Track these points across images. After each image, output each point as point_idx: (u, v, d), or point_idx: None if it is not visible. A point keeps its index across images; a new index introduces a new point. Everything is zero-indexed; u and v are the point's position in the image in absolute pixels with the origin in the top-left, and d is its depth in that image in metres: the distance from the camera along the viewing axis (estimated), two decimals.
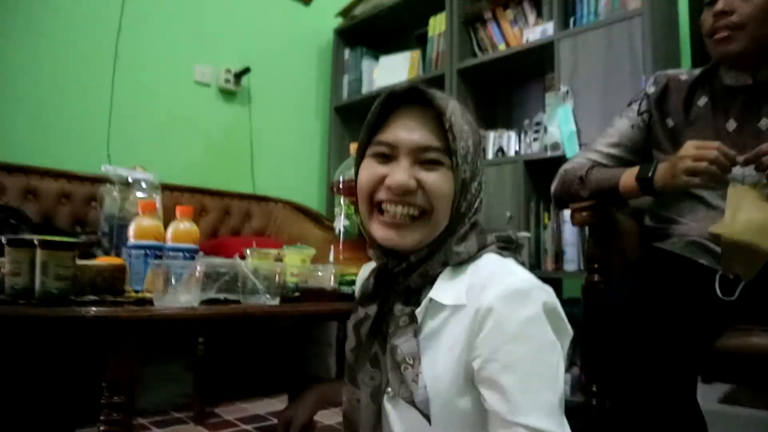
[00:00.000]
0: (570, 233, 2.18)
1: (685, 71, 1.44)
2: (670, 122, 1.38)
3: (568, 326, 0.77)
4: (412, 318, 0.77)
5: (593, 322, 1.12)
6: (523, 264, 0.80)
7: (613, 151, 1.45)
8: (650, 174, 1.25)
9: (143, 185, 1.80)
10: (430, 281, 0.79)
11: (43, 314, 0.85)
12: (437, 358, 0.76)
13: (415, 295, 0.80)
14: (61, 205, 2.25)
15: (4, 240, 0.94)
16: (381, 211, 0.79)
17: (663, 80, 1.43)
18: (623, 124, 1.45)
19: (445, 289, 0.77)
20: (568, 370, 2.10)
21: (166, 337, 2.16)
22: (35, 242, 0.91)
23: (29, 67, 2.33)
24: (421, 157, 0.78)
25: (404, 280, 0.80)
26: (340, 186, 1.26)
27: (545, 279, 2.36)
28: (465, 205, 0.80)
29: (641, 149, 1.44)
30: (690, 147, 1.16)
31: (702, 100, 1.36)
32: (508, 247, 0.83)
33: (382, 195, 0.79)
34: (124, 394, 0.89)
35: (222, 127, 2.88)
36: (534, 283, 0.74)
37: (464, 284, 0.76)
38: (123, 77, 2.56)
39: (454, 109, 0.79)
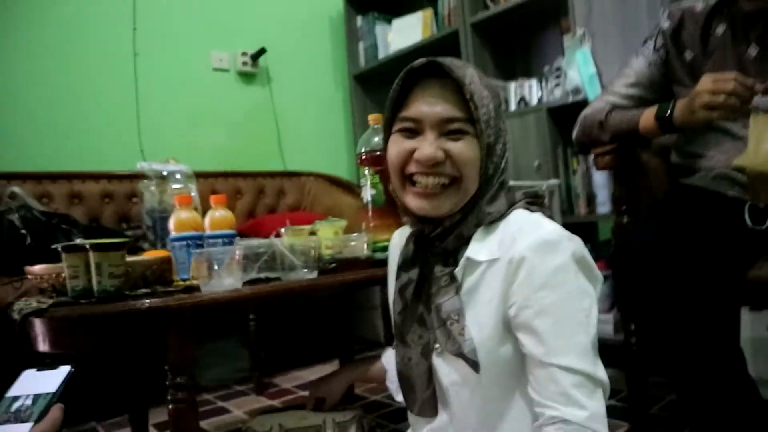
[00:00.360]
0: (600, 176, 2.18)
1: (701, 1, 1.41)
2: (688, 55, 1.36)
3: (598, 273, 0.81)
4: (453, 277, 0.83)
5: (623, 262, 1.14)
6: (551, 217, 0.83)
7: (631, 91, 1.43)
8: (669, 112, 1.24)
9: (178, 176, 1.88)
10: (466, 242, 0.84)
11: (103, 311, 0.93)
12: (478, 311, 0.81)
13: (452, 255, 0.85)
14: (105, 204, 2.36)
15: (60, 248, 1.01)
16: (413, 183, 0.83)
17: (678, 13, 1.40)
18: (640, 63, 1.44)
19: (479, 247, 0.82)
20: (609, 310, 2.13)
21: (219, 318, 2.27)
22: (87, 247, 0.98)
23: (55, 76, 2.42)
24: (445, 129, 0.81)
25: (441, 244, 0.85)
26: (363, 157, 1.30)
27: (579, 224, 2.37)
28: (492, 168, 0.83)
29: (661, 86, 1.42)
30: (707, 81, 1.15)
31: (720, 29, 1.33)
32: (535, 202, 0.86)
33: (412, 168, 0.82)
34: (185, 374, 0.96)
35: (246, 109, 2.94)
36: (562, 234, 0.77)
37: (496, 239, 0.80)
38: (145, 74, 2.63)
39: (473, 76, 0.81)
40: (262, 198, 2.78)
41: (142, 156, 2.54)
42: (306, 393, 2.11)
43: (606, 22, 2.08)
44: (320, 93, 3.21)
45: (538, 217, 0.81)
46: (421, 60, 0.82)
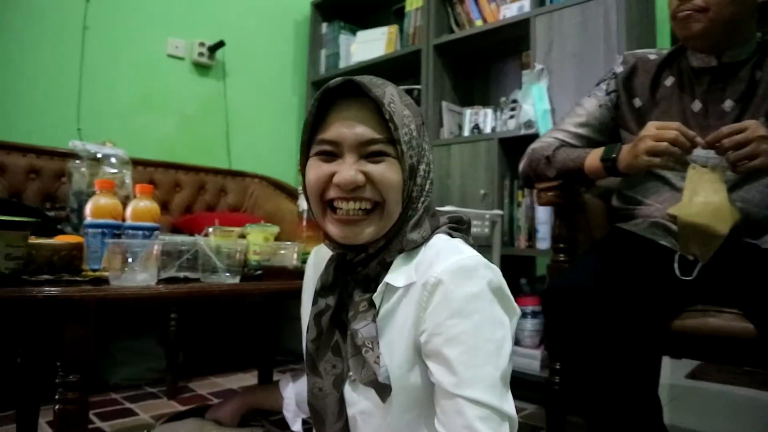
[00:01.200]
0: (543, 212, 2.20)
1: (654, 51, 1.44)
2: (637, 102, 1.39)
3: (515, 305, 0.79)
4: (371, 303, 0.79)
5: (554, 300, 1.13)
6: (471, 245, 0.81)
7: (581, 131, 1.45)
8: (614, 155, 1.25)
9: (113, 161, 1.78)
10: (387, 267, 0.80)
11: None
12: (392, 338, 0.78)
13: (373, 281, 0.81)
14: (30, 180, 2.22)
15: None
16: (333, 209, 0.79)
17: (632, 60, 1.43)
18: (591, 104, 1.45)
19: (398, 273, 0.78)
20: (537, 347, 2.14)
21: (137, 314, 2.15)
22: None
23: None
24: (365, 151, 0.77)
25: (363, 270, 0.81)
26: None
27: (518, 257, 2.37)
28: (416, 190, 0.80)
29: (609, 129, 1.44)
30: (651, 127, 1.16)
31: (669, 80, 1.36)
32: (458, 228, 0.84)
33: (332, 193, 0.78)
34: (79, 373, 0.89)
35: (196, 101, 2.84)
36: (480, 261, 0.75)
37: (414, 264, 0.78)
38: (93, 49, 2.51)
39: (393, 95, 0.78)
40: (203, 194, 2.69)
41: (79, 135, 2.41)
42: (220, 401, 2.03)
43: (564, 61, 2.12)
44: (276, 95, 3.15)
45: (458, 243, 0.79)
46: (338, 79, 0.78)
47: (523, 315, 2.14)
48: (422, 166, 0.80)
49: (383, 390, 0.76)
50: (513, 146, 2.31)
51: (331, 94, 0.79)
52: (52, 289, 0.85)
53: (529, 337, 2.15)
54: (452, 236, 0.81)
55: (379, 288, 0.79)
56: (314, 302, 0.86)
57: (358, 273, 0.82)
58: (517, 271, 2.36)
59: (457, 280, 0.72)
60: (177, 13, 2.77)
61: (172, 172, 2.58)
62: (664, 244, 1.24)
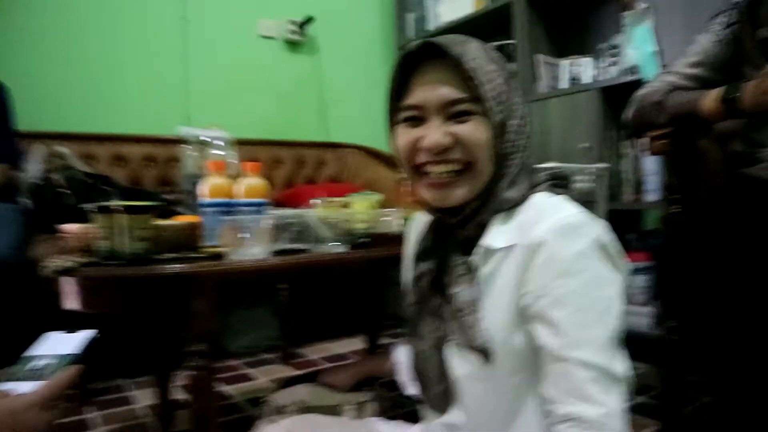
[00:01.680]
0: (651, 162, 2.07)
1: None
2: (764, 32, 1.25)
3: (623, 262, 0.74)
4: (469, 267, 0.78)
5: (672, 254, 1.07)
6: (575, 201, 0.77)
7: (695, 71, 1.33)
8: (737, 93, 1.14)
9: (219, 143, 1.87)
10: (485, 228, 0.78)
11: (129, 274, 0.92)
12: (494, 301, 0.76)
13: (472, 244, 0.79)
14: (147, 168, 2.39)
15: (91, 208, 1.01)
16: (425, 174, 0.78)
17: None
18: (707, 40, 1.33)
19: (496, 234, 0.76)
20: (646, 303, 2.03)
21: (250, 286, 2.28)
22: (117, 208, 0.98)
23: (104, 40, 2.45)
24: (450, 111, 0.75)
25: (462, 232, 0.80)
26: None
27: (624, 211, 2.26)
28: (508, 146, 0.77)
29: (729, 67, 1.31)
30: None
31: None
32: (558, 184, 0.80)
33: (421, 157, 0.77)
34: (206, 342, 0.95)
35: (291, 78, 2.91)
36: (584, 218, 0.71)
37: (515, 225, 0.75)
38: (193, 40, 2.64)
39: (475, 52, 0.75)
40: (302, 168, 2.77)
41: (189, 122, 2.55)
42: (331, 365, 2.12)
43: None
44: (367, 64, 3.16)
45: (560, 200, 0.75)
46: (416, 42, 0.76)
47: (633, 271, 2.05)
48: (514, 122, 0.77)
49: (484, 354, 0.75)
50: (616, 95, 2.18)
51: (412, 58, 0.77)
52: (177, 266, 0.92)
53: (638, 294, 2.05)
54: (554, 193, 0.77)
55: (478, 250, 0.78)
56: (414, 266, 0.86)
57: (456, 236, 0.81)
58: (624, 225, 2.24)
59: (561, 239, 0.69)
60: None
61: (272, 148, 2.68)
62: None
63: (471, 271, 0.77)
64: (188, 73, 2.61)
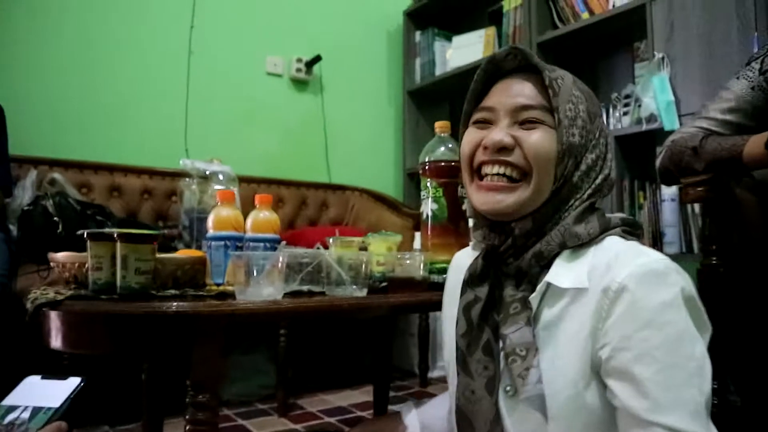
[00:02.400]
0: (670, 213, 2.00)
1: None
2: None
3: (707, 319, 0.66)
4: (525, 304, 0.70)
5: (716, 310, 0.98)
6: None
7: (729, 117, 1.28)
8: None
9: (221, 177, 1.79)
10: (546, 264, 0.71)
11: (124, 310, 0.82)
12: (558, 351, 0.67)
13: (527, 278, 0.73)
14: (144, 200, 2.30)
15: (85, 234, 0.91)
16: (480, 177, 0.75)
17: None
18: (741, 86, 1.28)
19: (563, 272, 0.68)
20: None
21: (248, 330, 2.16)
22: (115, 236, 0.88)
23: (108, 68, 2.40)
24: (520, 117, 0.73)
25: (514, 261, 0.73)
26: (426, 168, 1.17)
27: None
28: (578, 176, 0.71)
29: (764, 114, 1.26)
30: None
31: None
32: (632, 231, 0.73)
33: (480, 156, 0.74)
34: (209, 392, 0.84)
35: (295, 116, 2.86)
36: (670, 265, 0.64)
37: (585, 266, 0.67)
38: (197, 73, 2.59)
39: (564, 75, 0.74)
40: (304, 209, 2.69)
41: (187, 154, 2.48)
42: (331, 419, 1.98)
43: (688, 46, 1.93)
44: (372, 106, 3.13)
45: (637, 245, 0.69)
46: (505, 48, 0.75)
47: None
48: (591, 155, 0.72)
49: (538, 408, 0.66)
50: (630, 144, 2.14)
51: (499, 69, 0.77)
52: (182, 304, 0.82)
53: None
54: (627, 239, 0.70)
55: (539, 288, 0.69)
56: (462, 293, 0.78)
57: (509, 265, 0.74)
58: None
59: (645, 286, 0.61)
60: (274, 31, 2.82)
61: (274, 187, 2.61)
62: None
63: (526, 309, 0.69)
64: (190, 105, 2.55)
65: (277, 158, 2.75)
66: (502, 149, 0.71)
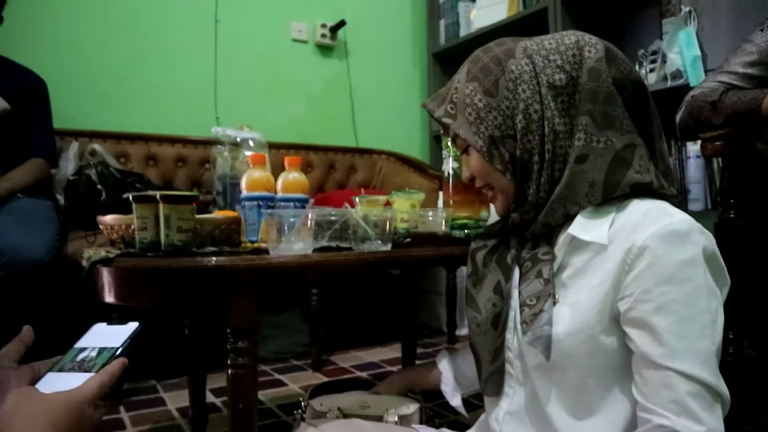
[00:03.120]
0: (695, 169, 2.00)
1: None
2: None
3: (727, 275, 0.71)
4: (541, 259, 0.75)
5: (732, 263, 1.01)
6: (678, 206, 0.73)
7: (751, 70, 1.28)
8: None
9: (251, 144, 1.85)
10: (560, 224, 0.76)
11: (169, 265, 0.89)
12: (580, 297, 0.72)
13: (544, 238, 0.78)
14: (178, 168, 2.39)
15: (131, 197, 0.99)
16: None
17: None
18: (765, 39, 1.28)
19: (585, 226, 0.72)
20: None
21: (281, 289, 2.25)
22: (157, 198, 0.95)
23: (139, 42, 2.46)
24: (460, 145, 0.83)
25: (530, 229, 0.79)
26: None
27: None
28: (518, 149, 0.75)
29: None
30: None
31: None
32: (658, 190, 0.74)
33: None
34: (247, 339, 0.92)
35: (322, 82, 2.90)
36: (694, 225, 0.68)
37: (607, 225, 0.71)
38: (224, 42, 2.63)
39: (459, 80, 0.80)
40: (333, 173, 2.75)
41: (217, 123, 2.55)
42: (363, 374, 2.08)
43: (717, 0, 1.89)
44: (398, 70, 3.14)
45: (664, 205, 0.71)
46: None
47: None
48: (518, 118, 0.74)
49: (542, 350, 0.71)
50: (657, 100, 2.08)
51: None
52: (221, 258, 0.89)
53: None
54: (656, 197, 0.73)
55: (562, 240, 0.74)
56: (473, 241, 0.90)
57: (525, 233, 0.80)
58: None
59: (667, 245, 0.66)
60: None
61: (302, 152, 2.67)
62: None
63: (542, 262, 0.74)
64: (218, 74, 2.61)
65: (304, 124, 2.81)
66: (472, 179, 0.84)
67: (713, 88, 1.29)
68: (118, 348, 0.66)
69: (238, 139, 1.86)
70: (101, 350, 0.66)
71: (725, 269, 0.70)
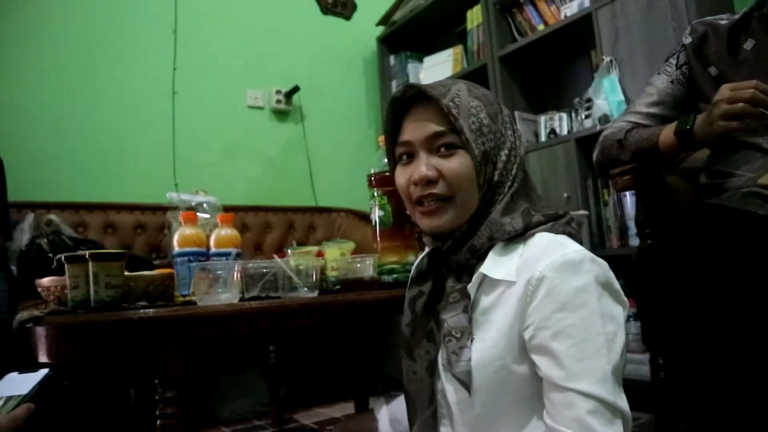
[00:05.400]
0: (632, 207, 2.09)
1: (725, 16, 1.36)
2: (713, 70, 1.31)
3: (624, 298, 0.76)
4: (463, 293, 0.80)
5: (647, 287, 1.07)
6: (576, 239, 0.79)
7: (653, 110, 1.38)
8: (688, 126, 1.18)
9: (206, 207, 1.90)
10: (481, 256, 0.81)
11: (96, 319, 0.93)
12: (491, 332, 0.77)
13: (466, 271, 0.82)
14: (137, 235, 2.43)
15: (63, 258, 1.03)
16: (420, 204, 0.84)
17: (701, 28, 1.35)
18: (662, 81, 1.39)
19: (495, 265, 0.78)
20: (643, 351, 2.00)
21: (240, 348, 2.25)
22: (87, 256, 1.00)
23: (97, 113, 2.55)
24: (435, 145, 0.81)
25: (455, 257, 0.83)
26: (372, 179, 1.29)
27: (611, 256, 2.25)
28: (498, 174, 0.81)
29: (684, 104, 1.36)
30: (724, 90, 1.09)
31: (748, 44, 1.28)
32: (557, 222, 0.81)
33: (415, 193, 0.83)
34: (175, 389, 0.94)
35: (278, 145, 3.00)
36: (586, 255, 0.74)
37: (515, 261, 0.77)
38: (182, 111, 2.74)
39: (459, 90, 0.81)
40: (293, 232, 2.80)
41: (176, 188, 2.60)
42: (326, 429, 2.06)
43: (632, 48, 2.05)
44: (352, 130, 3.26)
45: (562, 239, 0.78)
46: (401, 87, 0.84)
47: (627, 318, 2.02)
48: (503, 152, 0.81)
49: (464, 385, 0.75)
50: (591, 145, 2.21)
51: (404, 103, 0.85)
52: (147, 311, 0.93)
53: (634, 341, 2.02)
54: (556, 232, 0.79)
55: (475, 278, 0.79)
56: (409, 288, 0.89)
57: (450, 261, 0.84)
58: (614, 272, 2.24)
59: (562, 274, 0.71)
60: (253, 66, 2.97)
61: (262, 214, 2.72)
62: (764, 213, 1.14)
63: (464, 298, 0.79)
64: (177, 142, 2.69)
65: (263, 186, 2.88)
66: (429, 182, 0.80)
67: (621, 128, 1.38)
68: (24, 395, 0.69)
69: (193, 203, 1.92)
70: (8, 398, 0.69)
71: (621, 292, 0.76)
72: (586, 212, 2.03)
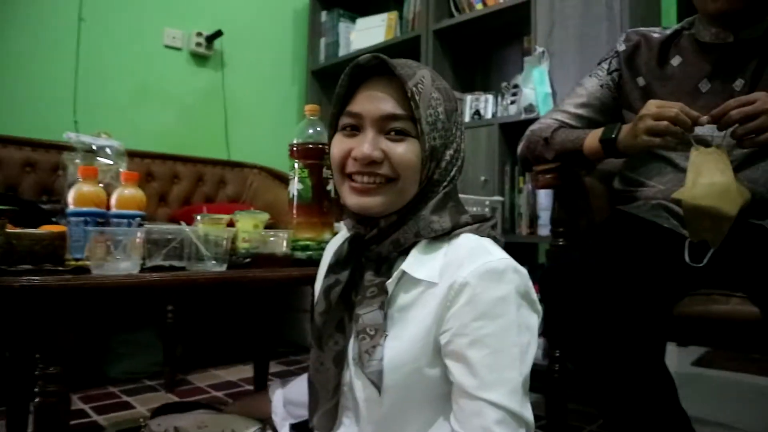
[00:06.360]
0: (545, 197, 2.15)
1: (657, 29, 1.40)
2: (641, 81, 1.34)
3: (539, 307, 0.77)
4: (381, 289, 0.77)
5: (551, 283, 1.10)
6: (499, 243, 0.79)
7: (581, 111, 1.41)
8: (613, 135, 1.21)
9: (108, 152, 1.75)
10: (404, 251, 0.79)
11: None
12: (406, 331, 0.75)
13: (386, 264, 0.80)
14: (25, 174, 2.20)
15: None
16: (352, 179, 0.79)
17: (635, 38, 1.38)
18: (592, 84, 1.41)
19: (418, 264, 0.76)
20: (542, 335, 2.10)
21: (136, 305, 2.14)
22: None
23: None
24: (386, 127, 0.77)
25: (376, 248, 0.80)
26: (294, 149, 1.23)
27: (520, 244, 2.33)
28: (438, 173, 0.79)
29: (611, 109, 1.40)
30: (651, 106, 1.12)
31: (676, 60, 1.32)
32: (482, 226, 0.81)
33: (350, 167, 0.78)
34: (59, 365, 0.86)
35: (195, 92, 2.81)
36: (509, 265, 0.74)
37: (439, 262, 0.76)
38: (88, 41, 2.48)
39: (423, 76, 0.77)
40: (201, 186, 2.66)
41: (76, 128, 2.39)
42: (219, 393, 2.02)
43: (566, 42, 2.07)
44: (275, 84, 3.12)
45: (487, 243, 0.77)
46: (367, 56, 0.78)
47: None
48: (449, 151, 0.79)
49: (374, 382, 0.74)
50: (514, 132, 2.26)
51: (364, 71, 0.79)
52: (32, 278, 0.83)
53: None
54: (480, 235, 0.78)
55: (395, 274, 0.77)
56: (326, 276, 0.85)
57: (371, 251, 0.81)
58: (518, 258, 2.30)
59: (484, 283, 0.71)
60: (173, 3, 2.75)
61: (170, 163, 2.55)
62: (668, 226, 1.20)
63: (382, 293, 0.76)
64: (80, 76, 2.45)
65: (174, 134, 2.70)
66: (372, 163, 0.76)
67: (548, 125, 1.40)
68: None
69: (94, 147, 1.76)
70: None
71: (537, 302, 0.77)
72: (501, 198, 2.07)
